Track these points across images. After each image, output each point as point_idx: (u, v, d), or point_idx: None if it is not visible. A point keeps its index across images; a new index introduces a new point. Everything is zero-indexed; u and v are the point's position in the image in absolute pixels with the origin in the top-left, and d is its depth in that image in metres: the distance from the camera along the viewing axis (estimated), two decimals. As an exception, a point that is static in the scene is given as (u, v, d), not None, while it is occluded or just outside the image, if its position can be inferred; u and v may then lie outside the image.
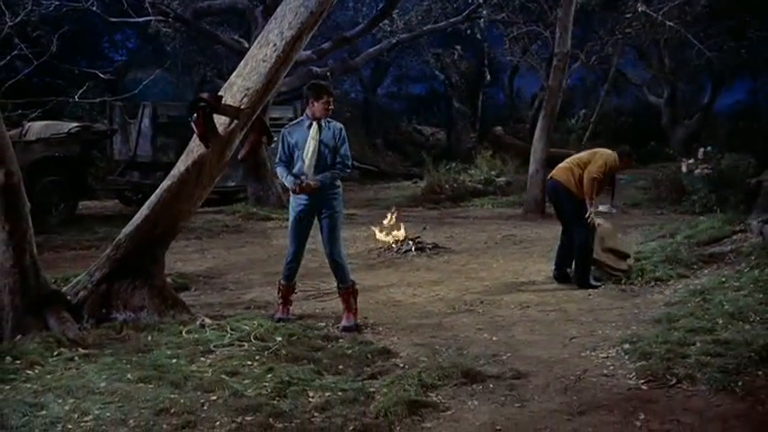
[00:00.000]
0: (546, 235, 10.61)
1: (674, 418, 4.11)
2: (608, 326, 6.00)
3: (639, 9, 14.75)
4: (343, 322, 6.07)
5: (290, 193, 6.19)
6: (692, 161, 12.49)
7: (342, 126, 6.18)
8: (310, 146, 6.02)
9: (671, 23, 14.83)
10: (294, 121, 6.39)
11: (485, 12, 15.78)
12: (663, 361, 4.87)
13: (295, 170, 6.09)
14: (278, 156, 6.21)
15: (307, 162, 6.02)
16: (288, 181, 6.06)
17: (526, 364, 5.08)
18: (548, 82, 13.52)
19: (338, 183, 6.16)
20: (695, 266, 7.63)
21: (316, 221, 6.19)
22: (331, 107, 6.08)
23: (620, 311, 6.46)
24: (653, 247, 8.70)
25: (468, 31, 16.79)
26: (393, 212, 10.14)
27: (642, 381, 4.67)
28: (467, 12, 15.74)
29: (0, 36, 7.06)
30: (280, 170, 6.16)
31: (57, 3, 10.32)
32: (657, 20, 14.81)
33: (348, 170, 6.20)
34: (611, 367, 4.99)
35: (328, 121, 6.12)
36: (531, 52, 18.39)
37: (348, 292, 6.18)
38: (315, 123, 6.06)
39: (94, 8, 11.09)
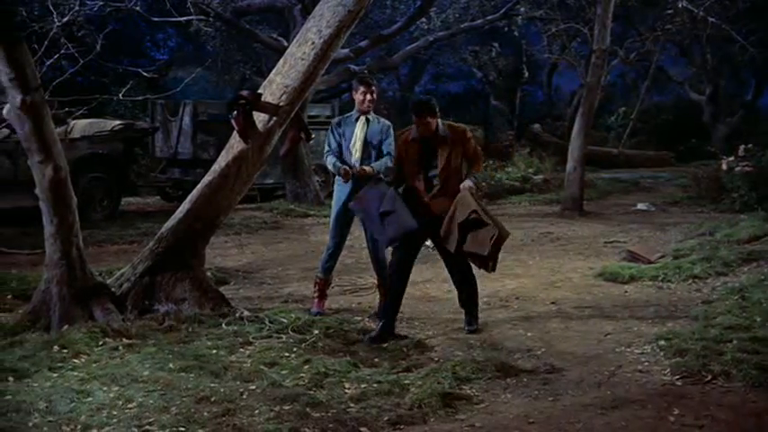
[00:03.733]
0: (583, 233, 10.59)
1: (709, 414, 4.12)
2: (644, 322, 5.99)
3: (680, 5, 14.51)
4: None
5: (335, 184, 6.29)
6: (732, 159, 12.30)
7: (390, 124, 6.29)
8: (358, 139, 6.14)
9: (713, 19, 14.58)
10: (345, 115, 6.51)
11: (522, 9, 15.70)
12: (698, 357, 4.87)
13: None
14: (327, 146, 6.28)
15: (355, 155, 6.14)
16: (336, 167, 6.10)
17: (560, 360, 5.11)
18: (586, 79, 13.41)
19: (383, 176, 6.22)
20: (734, 264, 7.54)
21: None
22: (368, 98, 6.16)
23: (657, 308, 6.44)
24: (692, 244, 8.62)
25: (506, 29, 16.73)
26: None
27: (677, 377, 4.69)
28: (504, 9, 15.66)
29: (48, 36, 7.24)
30: (330, 159, 6.21)
31: (101, 3, 10.52)
32: (699, 16, 14.57)
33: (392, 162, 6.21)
34: (646, 363, 5.00)
35: (378, 118, 6.25)
36: (569, 49, 18.23)
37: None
38: (363, 117, 6.18)
39: (137, 8, 11.29)
